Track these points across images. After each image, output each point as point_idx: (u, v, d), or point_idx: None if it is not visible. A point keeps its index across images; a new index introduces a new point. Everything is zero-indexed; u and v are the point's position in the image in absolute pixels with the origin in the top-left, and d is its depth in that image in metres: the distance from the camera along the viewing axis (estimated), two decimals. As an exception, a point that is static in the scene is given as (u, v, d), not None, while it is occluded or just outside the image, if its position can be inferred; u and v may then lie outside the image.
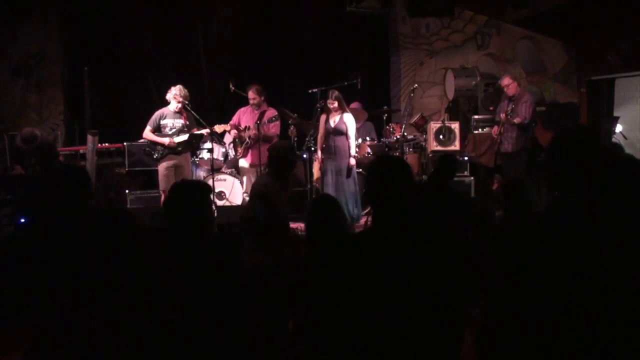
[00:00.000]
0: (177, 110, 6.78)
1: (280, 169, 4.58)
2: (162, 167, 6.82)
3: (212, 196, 2.92)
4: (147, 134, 6.81)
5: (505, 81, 7.49)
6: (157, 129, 6.79)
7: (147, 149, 6.90)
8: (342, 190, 6.59)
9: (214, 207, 7.08)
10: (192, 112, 6.86)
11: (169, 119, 6.80)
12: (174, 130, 6.77)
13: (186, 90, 6.79)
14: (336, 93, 6.68)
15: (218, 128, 7.01)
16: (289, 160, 4.61)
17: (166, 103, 6.86)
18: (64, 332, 2.74)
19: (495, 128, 7.58)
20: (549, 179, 2.12)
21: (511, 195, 3.44)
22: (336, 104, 6.63)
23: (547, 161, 2.10)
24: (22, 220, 5.59)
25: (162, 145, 6.75)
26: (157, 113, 6.86)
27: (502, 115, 7.24)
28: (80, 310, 2.71)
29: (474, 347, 2.32)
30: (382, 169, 2.21)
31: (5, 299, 3.57)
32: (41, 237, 2.85)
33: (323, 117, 6.82)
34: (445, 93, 9.67)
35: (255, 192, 4.50)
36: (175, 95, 6.72)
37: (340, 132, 6.65)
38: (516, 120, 7.20)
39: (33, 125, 8.46)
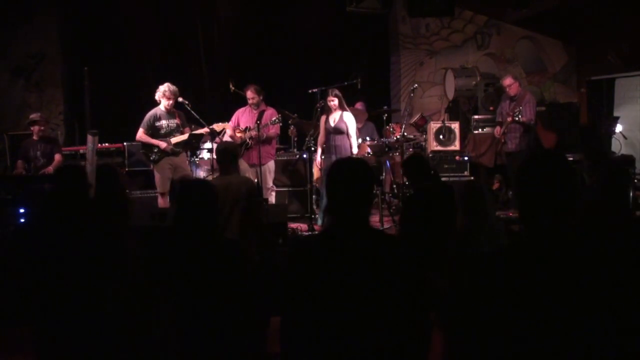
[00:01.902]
0: (168, 107, 6.63)
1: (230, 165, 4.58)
2: (158, 168, 6.70)
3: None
4: (142, 136, 6.63)
5: (507, 81, 7.49)
6: (152, 130, 6.63)
7: (143, 151, 6.76)
8: None
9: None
10: (192, 111, 6.81)
11: (164, 120, 6.64)
12: (169, 130, 6.65)
13: (175, 87, 6.63)
14: (336, 91, 6.71)
15: (217, 127, 6.95)
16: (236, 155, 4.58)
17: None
18: (65, 332, 2.74)
19: (498, 128, 7.58)
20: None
21: (465, 199, 3.55)
22: (336, 101, 6.62)
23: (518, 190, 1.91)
24: (22, 220, 5.59)
25: (158, 147, 6.63)
26: (150, 114, 6.67)
27: (509, 119, 7.25)
28: (80, 311, 2.71)
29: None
30: (336, 172, 2.19)
31: (7, 299, 3.56)
32: (37, 238, 2.84)
33: (323, 118, 6.83)
34: (445, 93, 9.67)
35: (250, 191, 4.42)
36: (165, 91, 6.54)
37: (340, 131, 6.64)
38: (523, 119, 7.21)
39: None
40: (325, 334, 2.05)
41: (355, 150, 6.65)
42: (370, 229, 2.20)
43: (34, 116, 7.21)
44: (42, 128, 7.13)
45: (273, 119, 6.89)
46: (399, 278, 2.05)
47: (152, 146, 6.64)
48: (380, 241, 2.14)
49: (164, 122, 6.66)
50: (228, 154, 4.63)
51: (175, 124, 6.68)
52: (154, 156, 6.67)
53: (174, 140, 6.62)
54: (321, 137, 6.90)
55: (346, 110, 6.68)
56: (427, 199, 3.90)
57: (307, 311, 2.07)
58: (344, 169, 2.18)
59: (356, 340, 2.02)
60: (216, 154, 4.46)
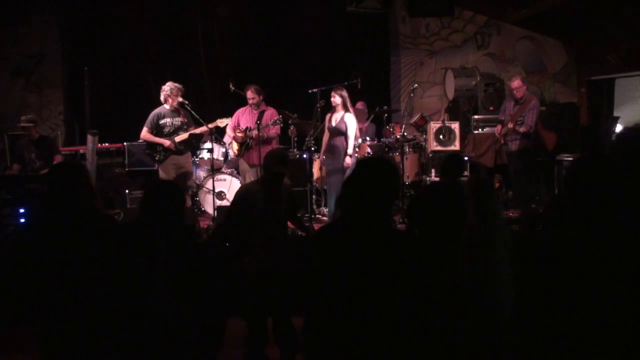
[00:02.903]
0: (175, 105, 6.61)
1: (270, 178, 4.25)
2: (163, 168, 6.69)
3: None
4: (146, 135, 6.65)
5: (516, 83, 7.46)
6: (157, 129, 6.64)
7: (148, 151, 6.77)
8: (337, 190, 6.51)
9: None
10: (191, 111, 6.80)
11: (168, 118, 6.65)
12: (173, 129, 6.65)
13: (179, 84, 6.64)
14: (342, 90, 6.59)
15: (220, 122, 6.90)
16: (280, 170, 4.24)
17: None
18: (67, 332, 2.73)
19: (499, 127, 7.58)
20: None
21: (476, 193, 3.53)
22: (337, 99, 6.55)
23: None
24: (23, 220, 5.59)
25: (163, 146, 6.65)
26: (154, 113, 6.67)
27: (511, 126, 7.26)
28: (80, 311, 2.70)
29: None
30: (365, 171, 2.22)
31: (7, 299, 3.56)
32: (39, 239, 2.83)
33: (328, 116, 6.78)
34: (445, 93, 9.68)
35: (237, 197, 4.29)
36: (172, 89, 6.55)
37: (339, 131, 6.60)
38: (522, 130, 7.23)
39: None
40: (346, 329, 2.09)
41: (350, 151, 6.51)
42: (390, 227, 2.23)
43: (23, 123, 7.11)
44: (27, 133, 7.04)
45: (274, 119, 6.88)
46: (417, 275, 2.08)
47: (157, 146, 6.64)
48: (398, 239, 2.17)
49: (167, 121, 6.66)
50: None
51: (179, 122, 6.68)
52: (159, 156, 6.67)
53: (177, 138, 6.63)
54: (325, 136, 6.86)
55: (349, 112, 6.60)
56: (451, 195, 3.94)
57: (331, 304, 2.12)
58: (371, 168, 2.22)
59: (375, 334, 2.06)
60: None
